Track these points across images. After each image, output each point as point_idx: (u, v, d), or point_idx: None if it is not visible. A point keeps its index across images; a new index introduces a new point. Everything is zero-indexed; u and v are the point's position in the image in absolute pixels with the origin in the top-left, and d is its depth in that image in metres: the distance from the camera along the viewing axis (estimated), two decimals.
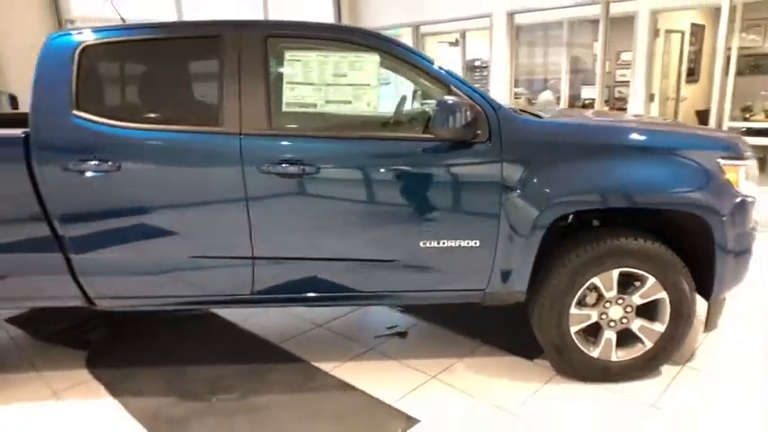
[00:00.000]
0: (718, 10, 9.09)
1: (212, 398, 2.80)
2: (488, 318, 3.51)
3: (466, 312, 3.51)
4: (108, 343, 3.44)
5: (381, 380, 2.90)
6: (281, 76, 2.60)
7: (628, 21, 7.65)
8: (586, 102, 9.07)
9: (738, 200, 2.61)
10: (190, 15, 6.72)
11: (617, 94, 9.36)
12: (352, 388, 2.84)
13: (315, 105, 2.59)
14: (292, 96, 2.58)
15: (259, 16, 7.40)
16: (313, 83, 2.58)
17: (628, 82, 8.25)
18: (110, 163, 2.49)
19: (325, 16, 8.41)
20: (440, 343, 3.31)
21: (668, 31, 8.15)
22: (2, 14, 5.37)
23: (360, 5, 8.37)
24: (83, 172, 2.50)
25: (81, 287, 2.69)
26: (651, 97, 7.80)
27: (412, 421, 2.55)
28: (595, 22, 8.62)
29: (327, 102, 2.59)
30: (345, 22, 8.43)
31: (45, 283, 2.70)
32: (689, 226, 2.67)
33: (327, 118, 2.63)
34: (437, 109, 2.41)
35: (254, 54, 2.54)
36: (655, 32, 7.58)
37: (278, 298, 2.78)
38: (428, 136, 2.53)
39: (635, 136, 2.72)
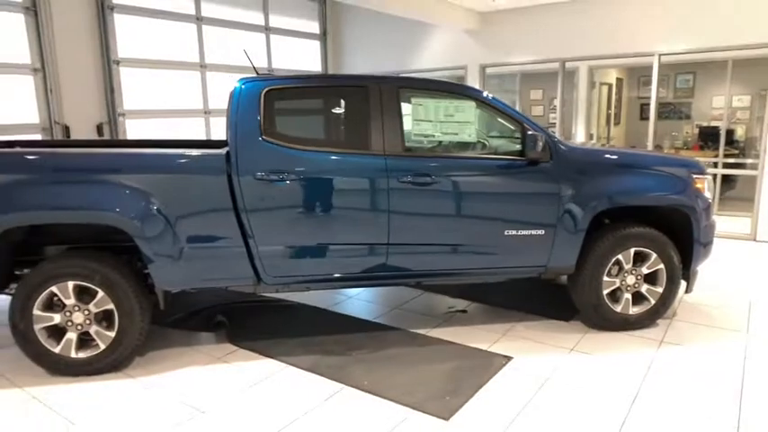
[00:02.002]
0: (630, 69, 11.25)
1: (351, 353, 3.70)
2: (520, 297, 4.66)
3: (502, 294, 4.66)
4: (238, 324, 4.18)
5: (468, 337, 3.93)
6: (409, 114, 3.66)
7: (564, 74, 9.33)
8: None
9: (705, 202, 3.95)
10: (210, 52, 7.60)
11: None
12: (452, 342, 3.86)
13: (433, 135, 3.67)
14: (418, 129, 3.65)
15: (263, 54, 8.41)
16: (431, 120, 3.67)
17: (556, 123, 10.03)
18: (291, 174, 3.42)
19: (314, 59, 9.51)
20: (495, 315, 4.39)
21: (601, 84, 9.97)
22: (61, 56, 5.99)
23: (344, 53, 9.52)
24: (271, 181, 3.41)
25: (255, 270, 3.53)
26: (591, 136, 9.50)
27: (508, 358, 3.60)
28: (529, 75, 10.37)
29: (442, 133, 3.68)
30: (330, 66, 9.54)
31: (228, 266, 3.51)
32: (675, 220, 3.96)
33: (442, 144, 3.71)
34: (527, 140, 3.57)
35: (391, 99, 3.59)
36: (592, 84, 9.31)
37: (403, 275, 3.75)
38: (510, 157, 3.69)
39: (643, 159, 4.04)
